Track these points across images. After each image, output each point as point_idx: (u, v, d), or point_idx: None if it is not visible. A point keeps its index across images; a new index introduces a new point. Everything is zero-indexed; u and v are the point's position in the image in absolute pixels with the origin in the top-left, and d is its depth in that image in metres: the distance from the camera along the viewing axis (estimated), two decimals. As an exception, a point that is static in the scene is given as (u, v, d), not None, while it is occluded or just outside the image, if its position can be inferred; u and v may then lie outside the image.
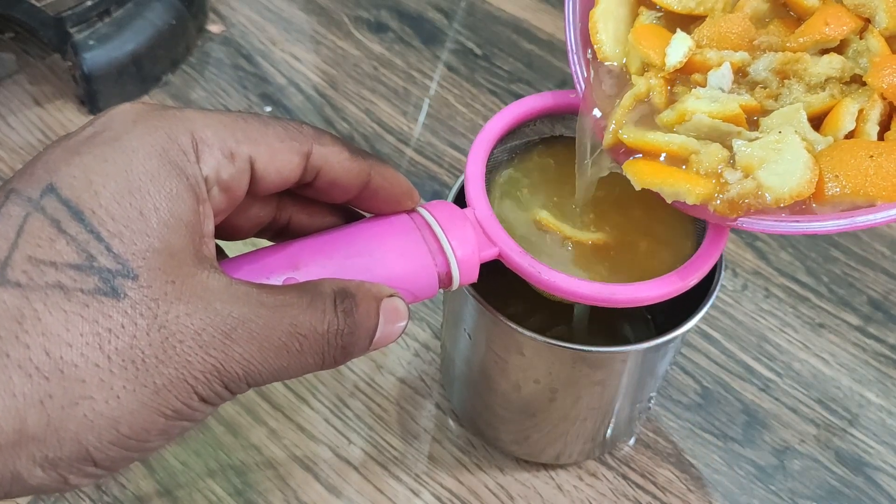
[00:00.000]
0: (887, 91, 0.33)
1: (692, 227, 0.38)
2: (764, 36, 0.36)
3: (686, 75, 0.36)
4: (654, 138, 0.34)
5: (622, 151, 0.35)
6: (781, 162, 0.32)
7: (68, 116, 0.62)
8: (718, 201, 0.32)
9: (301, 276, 0.30)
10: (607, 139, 0.35)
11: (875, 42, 0.34)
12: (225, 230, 0.32)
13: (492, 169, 0.39)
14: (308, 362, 0.28)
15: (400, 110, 0.64)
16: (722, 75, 0.34)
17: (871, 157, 0.31)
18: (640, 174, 0.34)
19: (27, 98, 0.63)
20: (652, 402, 0.47)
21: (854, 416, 0.50)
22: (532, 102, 0.39)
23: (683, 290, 0.35)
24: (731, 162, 0.32)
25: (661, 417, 0.50)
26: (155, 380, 0.25)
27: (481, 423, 0.47)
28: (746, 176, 0.32)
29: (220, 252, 0.32)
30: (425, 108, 0.64)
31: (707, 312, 0.39)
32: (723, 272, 0.40)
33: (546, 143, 0.40)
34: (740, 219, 0.32)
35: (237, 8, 0.70)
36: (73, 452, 0.24)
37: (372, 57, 0.67)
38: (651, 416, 0.50)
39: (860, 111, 0.33)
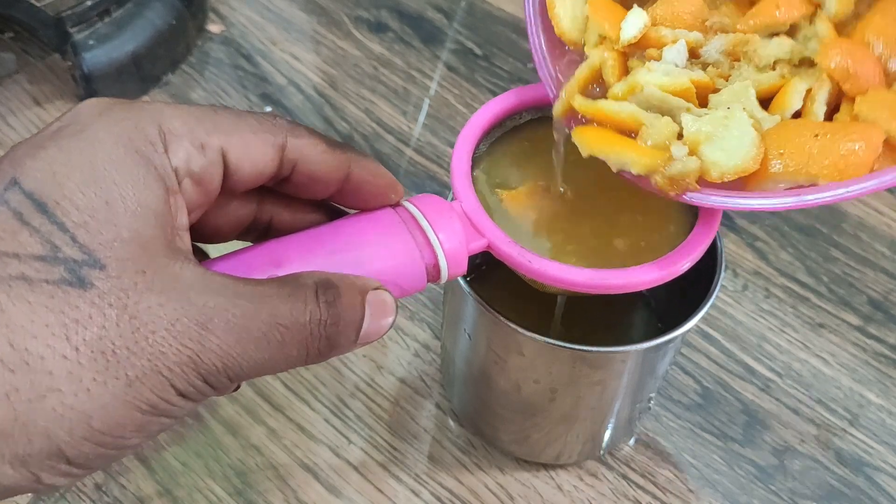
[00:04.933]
0: (835, 71, 0.32)
1: (685, 211, 0.38)
2: (716, 16, 0.36)
3: (640, 50, 0.36)
4: (604, 105, 0.34)
5: (577, 120, 0.35)
6: (728, 138, 0.32)
7: (68, 116, 0.62)
8: (660, 176, 0.32)
9: (283, 273, 0.29)
10: (557, 108, 0.36)
11: (824, 27, 0.34)
12: (205, 230, 0.31)
13: (478, 160, 0.38)
14: (292, 354, 0.27)
15: (400, 110, 0.64)
16: (677, 51, 0.35)
17: (816, 136, 0.31)
18: (587, 141, 0.34)
19: (27, 98, 0.63)
20: (652, 402, 0.47)
21: (854, 416, 0.50)
22: (516, 96, 0.39)
23: (676, 275, 0.34)
24: (680, 137, 0.33)
25: (661, 417, 0.50)
26: (127, 372, 0.24)
27: (481, 423, 0.47)
28: (692, 152, 0.32)
29: (203, 256, 0.32)
30: (425, 108, 0.64)
31: (707, 312, 0.39)
32: (723, 272, 0.40)
33: (531, 126, 0.40)
34: (686, 194, 0.32)
35: (237, 8, 0.70)
36: (43, 448, 0.23)
37: (372, 57, 0.67)
38: (651, 416, 0.50)
39: (808, 91, 0.33)
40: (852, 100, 0.32)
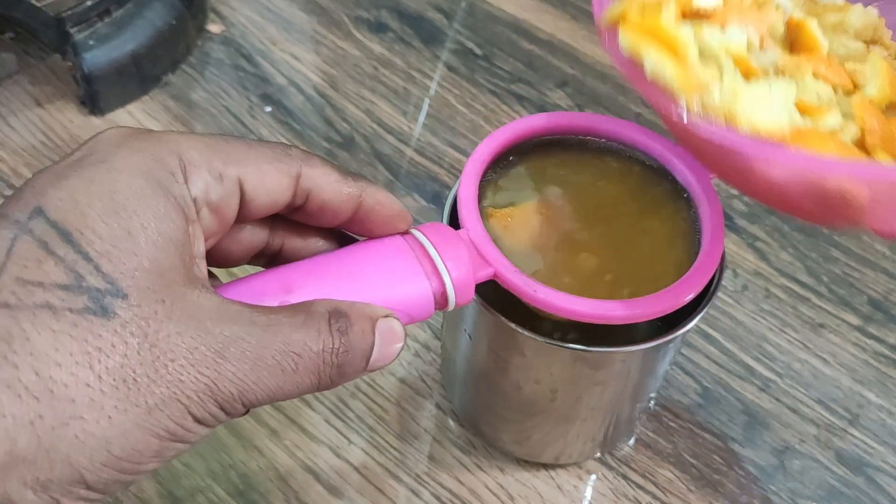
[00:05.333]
0: (865, 124, 0.34)
1: (688, 238, 0.38)
2: (774, 44, 0.37)
3: (703, 20, 0.36)
4: (664, 19, 0.34)
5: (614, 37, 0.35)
6: (764, 105, 0.33)
7: (69, 117, 0.62)
8: (690, 97, 0.32)
9: (294, 299, 0.30)
10: (607, 15, 0.35)
11: (860, 99, 0.35)
12: (217, 256, 0.32)
13: (483, 188, 0.39)
14: (304, 382, 0.28)
15: (400, 110, 0.64)
16: (740, 33, 0.35)
17: (837, 143, 0.32)
18: (635, 37, 0.34)
19: (28, 99, 0.63)
20: (652, 402, 0.47)
21: (854, 416, 0.50)
22: (523, 125, 0.40)
23: (679, 307, 0.35)
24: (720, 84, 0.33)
25: (661, 417, 0.50)
26: (147, 399, 0.24)
27: (482, 424, 0.47)
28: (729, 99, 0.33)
29: (214, 280, 0.32)
30: (425, 108, 0.64)
31: (707, 312, 0.39)
32: (723, 272, 0.40)
33: (537, 154, 0.41)
34: (716, 126, 0.32)
35: (237, 8, 0.70)
36: (64, 474, 0.24)
37: (372, 57, 0.67)
38: (651, 416, 0.50)
39: (841, 124, 0.34)
40: (868, 154, 0.34)
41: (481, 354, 0.42)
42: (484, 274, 0.35)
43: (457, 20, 0.70)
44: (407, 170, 0.60)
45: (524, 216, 0.39)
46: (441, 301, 0.33)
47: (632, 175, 0.40)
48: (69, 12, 0.59)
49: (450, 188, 0.43)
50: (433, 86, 0.66)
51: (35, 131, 0.61)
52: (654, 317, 0.35)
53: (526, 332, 0.38)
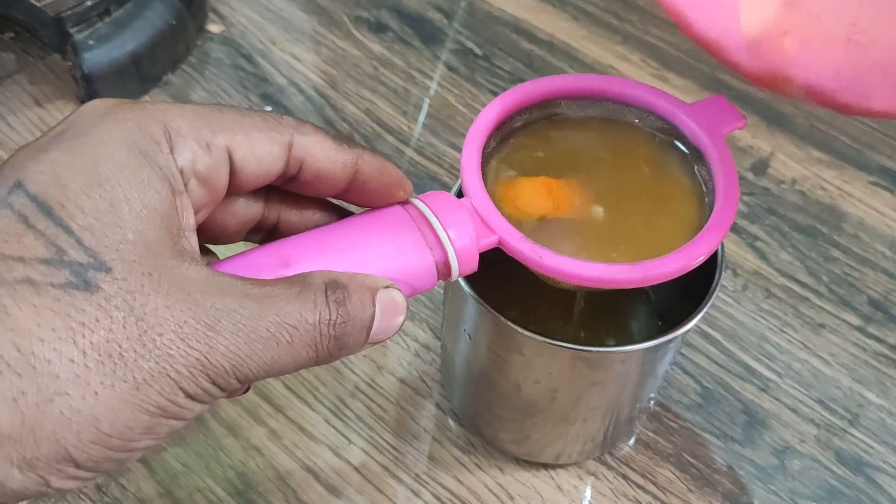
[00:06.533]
0: None
1: (697, 204, 0.37)
2: None
3: None
4: None
5: None
6: None
7: (68, 116, 0.62)
8: None
9: (292, 273, 0.29)
10: None
11: None
12: (212, 230, 0.31)
13: (487, 157, 0.38)
14: (301, 355, 0.27)
15: (400, 110, 0.64)
16: None
17: None
18: None
19: (27, 98, 0.63)
20: (652, 402, 0.47)
21: (854, 416, 0.50)
22: (526, 90, 0.39)
23: (689, 269, 0.34)
24: None
25: (661, 417, 0.50)
26: (134, 374, 0.24)
27: (481, 423, 0.47)
28: None
29: (212, 257, 0.32)
30: (425, 108, 0.64)
31: (707, 312, 0.39)
32: (723, 272, 0.40)
33: (541, 122, 0.40)
34: None
35: (237, 8, 0.70)
36: (51, 452, 0.23)
37: (372, 57, 0.67)
38: (651, 416, 0.50)
39: None
40: None
41: (481, 354, 0.42)
42: (488, 242, 0.34)
43: (457, 20, 0.70)
44: (407, 170, 0.60)
45: (529, 182, 0.38)
46: (444, 271, 0.32)
47: (641, 137, 0.39)
48: (69, 12, 0.59)
49: (450, 188, 0.43)
50: (433, 86, 0.66)
51: (34, 130, 0.61)
52: (666, 279, 0.34)
53: (526, 332, 0.38)
